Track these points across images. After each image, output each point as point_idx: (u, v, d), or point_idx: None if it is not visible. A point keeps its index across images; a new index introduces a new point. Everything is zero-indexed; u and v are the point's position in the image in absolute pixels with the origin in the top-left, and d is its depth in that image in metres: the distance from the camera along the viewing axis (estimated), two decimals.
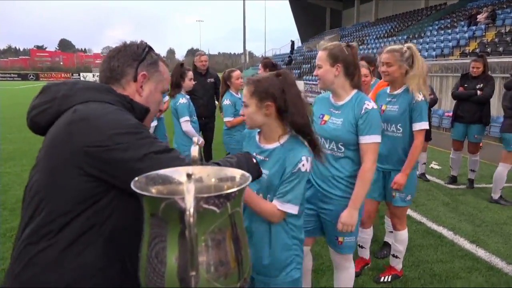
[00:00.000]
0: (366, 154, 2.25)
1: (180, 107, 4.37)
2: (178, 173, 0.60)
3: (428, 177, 6.40)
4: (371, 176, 2.28)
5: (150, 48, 1.35)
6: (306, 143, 1.77)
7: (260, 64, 5.78)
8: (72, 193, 1.06)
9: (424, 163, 6.45)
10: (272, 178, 1.74)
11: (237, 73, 5.03)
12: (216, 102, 5.81)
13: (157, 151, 1.08)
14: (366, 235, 3.31)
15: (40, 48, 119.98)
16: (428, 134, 6.21)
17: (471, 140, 5.77)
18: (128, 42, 1.34)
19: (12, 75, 56.00)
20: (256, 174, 1.31)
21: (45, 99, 1.18)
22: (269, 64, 5.67)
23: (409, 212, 4.79)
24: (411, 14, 27.34)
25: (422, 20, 24.70)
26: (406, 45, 2.97)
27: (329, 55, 2.27)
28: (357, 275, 3.21)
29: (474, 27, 16.53)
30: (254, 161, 1.35)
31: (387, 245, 3.71)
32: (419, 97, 2.89)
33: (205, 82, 5.95)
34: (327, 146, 2.35)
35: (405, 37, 21.37)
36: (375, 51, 20.60)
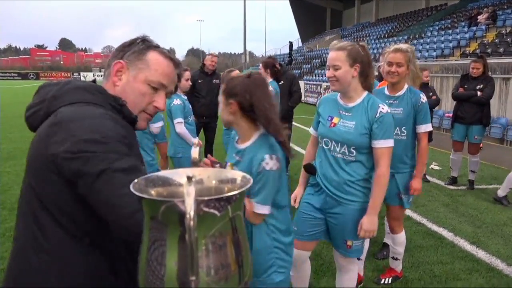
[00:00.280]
0: (382, 159, 2.22)
1: (174, 108, 4.24)
2: (178, 174, 0.60)
3: (429, 178, 6.39)
4: (387, 180, 2.27)
5: (145, 40, 1.23)
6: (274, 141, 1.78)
7: (260, 64, 5.77)
8: (56, 197, 1.01)
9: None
10: None
11: (236, 73, 5.01)
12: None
13: (116, 169, 0.96)
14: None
15: (40, 47, 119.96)
16: (429, 135, 6.22)
17: (471, 141, 5.76)
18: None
19: (13, 74, 56.05)
20: None
21: (37, 100, 1.14)
22: (269, 64, 5.66)
23: (409, 213, 4.79)
24: (411, 15, 27.34)
25: (422, 20, 24.70)
26: (408, 45, 2.96)
27: (349, 55, 2.18)
28: None
29: (474, 28, 16.52)
30: None
31: (386, 246, 3.70)
32: (424, 98, 2.89)
33: (210, 82, 5.98)
34: (337, 149, 2.28)
35: (405, 37, 21.36)
36: (375, 51, 20.60)
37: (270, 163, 1.69)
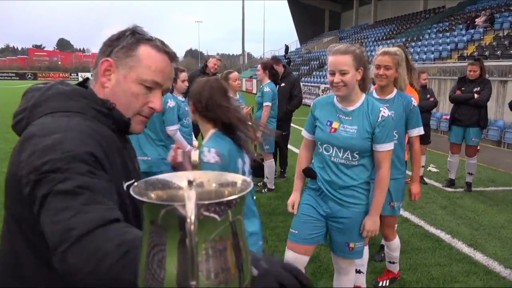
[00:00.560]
0: (383, 162, 2.24)
1: (167, 112, 3.84)
2: (177, 177, 0.59)
3: (426, 180, 6.41)
4: (389, 182, 2.31)
5: (135, 32, 1.07)
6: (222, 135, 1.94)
7: (259, 65, 5.77)
8: (31, 222, 0.90)
9: (423, 166, 6.45)
10: None
11: (235, 74, 5.01)
12: None
13: (58, 191, 0.81)
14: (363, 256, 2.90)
15: (38, 47, 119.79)
16: (427, 138, 6.25)
17: (468, 143, 5.78)
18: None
19: (10, 74, 55.89)
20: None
21: (21, 108, 1.05)
22: (268, 65, 5.66)
23: (407, 215, 4.79)
24: (410, 17, 27.44)
25: (420, 23, 24.79)
26: (396, 48, 2.92)
27: (355, 59, 2.14)
28: None
29: (472, 31, 16.59)
30: None
31: (384, 248, 3.70)
32: (415, 101, 2.87)
33: None
34: (340, 155, 2.24)
35: (403, 39, 21.44)
36: (373, 53, 20.62)
37: (207, 155, 1.83)
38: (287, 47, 34.85)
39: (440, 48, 17.02)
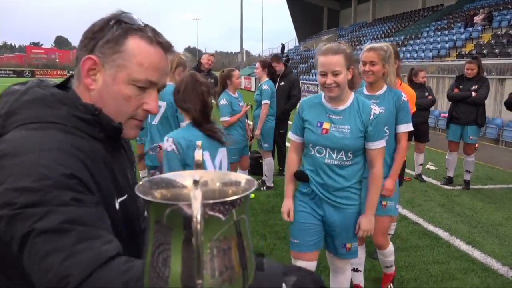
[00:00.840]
0: (376, 159, 2.23)
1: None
2: (181, 176, 0.60)
3: (424, 178, 6.43)
4: (382, 180, 2.31)
5: (120, 20, 0.90)
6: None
7: (258, 63, 5.76)
8: (5, 254, 0.77)
9: (421, 164, 6.47)
10: None
11: (237, 72, 5.02)
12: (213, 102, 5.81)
13: (41, 231, 0.69)
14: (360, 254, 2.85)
15: (36, 45, 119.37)
16: (425, 136, 6.27)
17: (466, 141, 5.79)
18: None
19: (8, 72, 55.61)
20: None
21: None
22: (267, 63, 5.66)
23: (406, 212, 4.81)
24: (408, 15, 27.45)
25: (419, 21, 24.80)
26: (384, 44, 2.88)
27: (346, 59, 2.11)
28: None
29: (470, 29, 16.61)
30: None
31: None
32: (405, 97, 2.81)
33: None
34: (334, 156, 2.20)
35: (402, 37, 21.45)
36: None
37: (166, 144, 2.05)
38: (283, 46, 34.81)
39: (439, 46, 17.03)
